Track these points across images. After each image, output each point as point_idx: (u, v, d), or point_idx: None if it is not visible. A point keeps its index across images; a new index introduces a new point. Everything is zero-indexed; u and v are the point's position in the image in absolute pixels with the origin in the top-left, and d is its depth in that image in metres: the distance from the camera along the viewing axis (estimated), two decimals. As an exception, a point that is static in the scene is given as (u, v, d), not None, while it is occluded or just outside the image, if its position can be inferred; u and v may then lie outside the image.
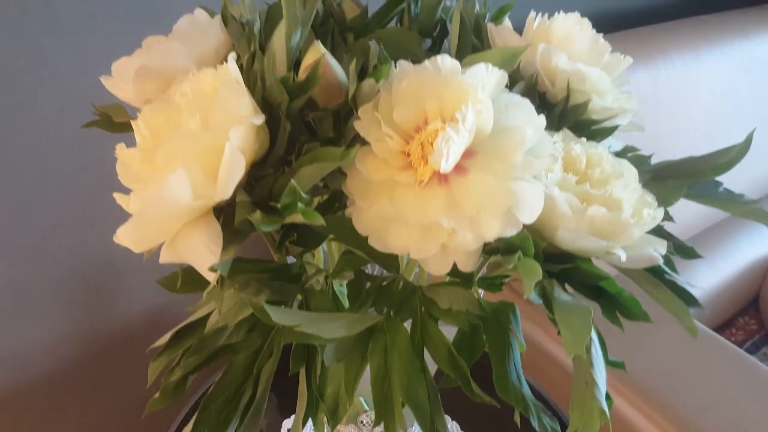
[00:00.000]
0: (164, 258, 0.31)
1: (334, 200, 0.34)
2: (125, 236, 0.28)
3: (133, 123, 0.31)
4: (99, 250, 0.78)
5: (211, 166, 0.27)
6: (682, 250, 0.40)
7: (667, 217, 0.40)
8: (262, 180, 0.31)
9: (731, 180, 0.38)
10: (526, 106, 0.32)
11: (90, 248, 0.77)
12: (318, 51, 0.33)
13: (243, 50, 0.36)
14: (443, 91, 0.30)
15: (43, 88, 0.66)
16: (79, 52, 0.66)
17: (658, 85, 0.92)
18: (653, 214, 0.34)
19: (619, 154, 0.40)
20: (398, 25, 0.43)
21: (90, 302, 0.80)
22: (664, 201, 0.40)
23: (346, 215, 0.33)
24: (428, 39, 0.44)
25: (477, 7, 0.41)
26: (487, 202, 0.30)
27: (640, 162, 0.40)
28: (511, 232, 0.30)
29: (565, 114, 0.38)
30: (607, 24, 1.12)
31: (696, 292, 0.37)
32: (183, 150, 0.27)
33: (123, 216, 0.29)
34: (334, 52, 0.40)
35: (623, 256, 0.32)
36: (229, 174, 0.26)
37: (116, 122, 0.38)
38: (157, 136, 0.30)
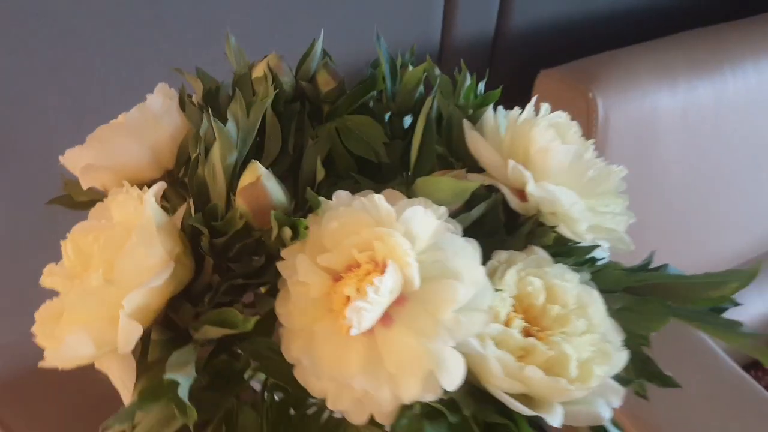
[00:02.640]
0: (98, 367, 0.32)
1: (267, 320, 0.33)
2: (50, 362, 0.29)
3: (62, 243, 0.31)
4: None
5: (115, 315, 0.27)
6: (659, 377, 0.37)
7: (645, 342, 0.37)
8: (183, 313, 0.30)
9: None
10: (468, 253, 0.29)
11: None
12: (255, 172, 0.31)
13: (192, 147, 0.35)
14: (374, 242, 0.28)
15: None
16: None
17: (722, 100, 0.82)
18: (607, 370, 0.31)
19: (599, 271, 0.37)
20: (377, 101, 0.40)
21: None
22: (648, 325, 0.37)
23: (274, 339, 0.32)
24: (409, 115, 0.41)
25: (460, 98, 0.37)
26: (409, 361, 0.28)
27: (622, 280, 0.37)
28: (430, 397, 0.28)
29: (534, 234, 0.34)
30: (658, 24, 0.96)
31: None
32: (85, 307, 0.26)
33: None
34: (298, 134, 0.38)
35: (557, 420, 0.30)
36: (126, 338, 0.26)
37: (78, 201, 0.38)
38: (84, 261, 0.30)
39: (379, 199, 0.29)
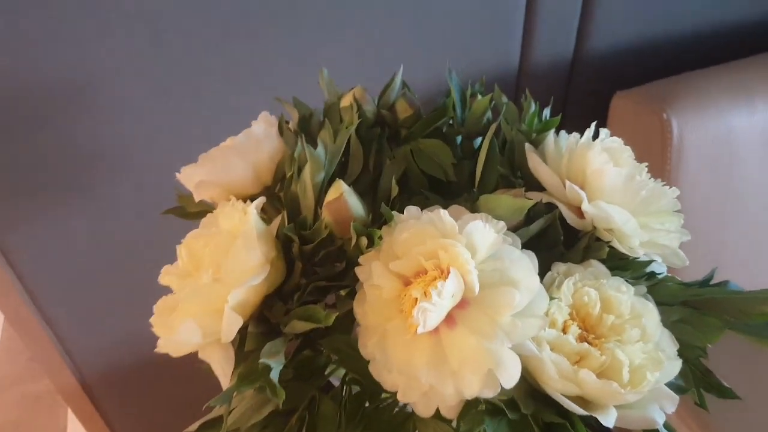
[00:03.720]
0: (201, 356, 0.37)
1: (346, 319, 0.37)
2: (163, 348, 0.34)
3: (177, 248, 0.36)
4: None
5: (221, 308, 0.32)
6: (718, 388, 0.38)
7: (702, 354, 0.38)
8: (275, 310, 0.35)
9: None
10: (525, 263, 0.32)
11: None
12: (338, 189, 0.35)
13: (288, 167, 0.40)
14: (439, 251, 0.32)
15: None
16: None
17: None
18: (659, 377, 0.33)
19: (657, 285, 0.39)
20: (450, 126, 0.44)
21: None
22: (704, 337, 0.38)
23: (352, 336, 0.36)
24: (478, 138, 0.44)
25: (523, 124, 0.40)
26: (470, 359, 0.31)
27: (679, 293, 0.39)
28: (489, 393, 0.31)
29: (591, 248, 0.37)
30: (740, 46, 0.92)
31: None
32: (196, 301, 0.31)
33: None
34: (378, 155, 0.42)
35: (610, 421, 0.32)
36: (228, 328, 0.31)
37: (189, 212, 0.44)
38: (195, 262, 0.35)
39: (444, 213, 0.33)
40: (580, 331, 0.34)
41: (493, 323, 0.31)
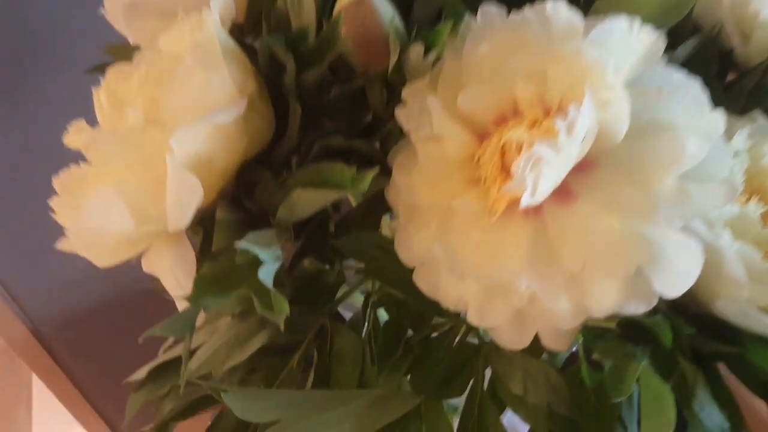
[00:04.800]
0: (145, 268, 0.23)
1: (374, 208, 0.23)
2: (72, 246, 0.20)
3: (94, 94, 0.22)
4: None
5: (161, 174, 0.18)
6: None
7: None
8: (263, 185, 0.21)
9: None
10: (693, 93, 0.19)
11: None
12: (360, -16, 0.21)
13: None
14: (549, 67, 0.18)
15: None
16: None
17: None
18: None
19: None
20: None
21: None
22: None
23: (386, 234, 0.23)
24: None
25: None
26: (603, 254, 0.18)
27: None
28: (636, 308, 0.18)
29: (762, 90, 0.23)
30: None
31: None
32: (118, 159, 0.17)
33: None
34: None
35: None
36: (178, 200, 0.17)
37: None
38: (122, 111, 0.21)
39: (553, 7, 0.19)
40: (763, 208, 0.21)
41: (647, 192, 0.18)
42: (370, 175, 0.18)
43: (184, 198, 0.17)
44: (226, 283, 0.17)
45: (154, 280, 0.24)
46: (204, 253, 0.20)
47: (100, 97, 0.22)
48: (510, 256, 0.19)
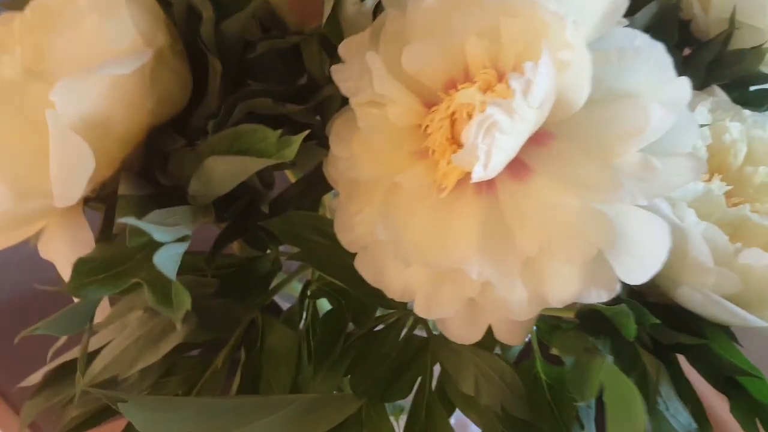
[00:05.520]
0: (43, 255, 0.20)
1: (313, 186, 0.21)
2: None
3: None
4: None
5: (46, 136, 0.15)
6: None
7: None
8: (175, 155, 0.18)
9: None
10: (657, 57, 0.17)
11: None
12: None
13: None
14: (502, 22, 0.16)
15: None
16: None
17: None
18: None
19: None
20: None
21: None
22: None
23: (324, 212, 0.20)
24: None
25: None
26: (561, 236, 0.16)
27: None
28: (598, 296, 0.16)
29: (721, 63, 0.22)
30: None
31: None
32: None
33: None
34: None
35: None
36: (63, 168, 0.14)
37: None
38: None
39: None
40: (726, 187, 0.20)
41: (608, 165, 0.16)
42: (299, 139, 0.15)
43: (71, 166, 0.14)
44: (119, 270, 0.14)
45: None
46: (105, 235, 0.17)
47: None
48: (460, 239, 0.17)
